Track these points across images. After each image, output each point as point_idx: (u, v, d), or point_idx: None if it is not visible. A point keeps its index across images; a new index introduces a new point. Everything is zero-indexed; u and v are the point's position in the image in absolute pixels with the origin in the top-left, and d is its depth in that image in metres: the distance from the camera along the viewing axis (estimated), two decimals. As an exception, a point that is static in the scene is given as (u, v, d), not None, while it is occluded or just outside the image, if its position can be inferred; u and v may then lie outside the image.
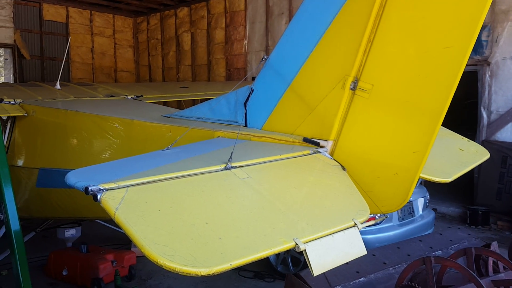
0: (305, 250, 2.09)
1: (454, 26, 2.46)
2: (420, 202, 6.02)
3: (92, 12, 14.67)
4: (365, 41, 2.78)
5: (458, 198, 9.17)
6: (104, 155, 4.50)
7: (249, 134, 3.29)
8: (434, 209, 8.03)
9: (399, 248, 4.14)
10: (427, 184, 6.46)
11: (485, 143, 7.98)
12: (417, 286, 3.29)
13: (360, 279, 3.57)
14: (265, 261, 5.71)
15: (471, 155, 3.96)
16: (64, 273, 5.62)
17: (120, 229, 1.91)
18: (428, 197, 6.23)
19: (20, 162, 5.23)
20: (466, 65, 2.47)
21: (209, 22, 13.15)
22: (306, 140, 3.06)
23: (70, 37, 13.41)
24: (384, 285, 3.65)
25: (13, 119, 5.33)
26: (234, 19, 12.43)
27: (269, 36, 11.69)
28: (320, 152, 2.97)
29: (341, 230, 2.28)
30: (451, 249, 4.26)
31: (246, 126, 3.48)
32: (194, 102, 9.08)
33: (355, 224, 2.34)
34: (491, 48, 8.23)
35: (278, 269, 5.74)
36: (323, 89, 2.99)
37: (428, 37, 2.57)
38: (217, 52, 12.98)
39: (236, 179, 2.46)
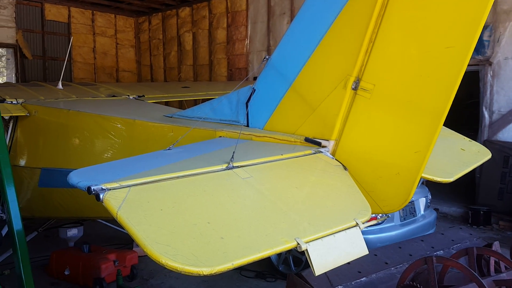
0: (306, 249, 2.09)
1: (456, 26, 2.46)
2: (421, 202, 6.02)
3: (94, 12, 14.70)
4: (366, 41, 2.78)
5: (459, 198, 9.17)
6: (106, 155, 4.51)
7: (250, 134, 3.29)
8: (436, 209, 8.04)
9: (400, 248, 4.14)
10: (428, 184, 6.45)
11: (487, 143, 7.97)
12: (418, 286, 3.29)
13: (362, 279, 3.57)
14: (266, 261, 5.71)
15: (472, 155, 3.95)
16: (66, 272, 5.64)
17: (122, 228, 1.92)
18: (429, 197, 6.22)
19: (22, 162, 5.24)
20: (468, 65, 2.47)
21: (210, 22, 13.15)
22: (307, 140, 3.06)
23: (72, 37, 13.44)
24: (385, 285, 3.65)
25: (15, 119, 5.34)
26: (235, 19, 12.44)
27: (270, 36, 11.69)
28: (322, 152, 2.97)
29: (342, 230, 2.28)
30: (452, 249, 4.25)
31: (247, 126, 3.48)
32: (195, 102, 9.08)
33: (357, 224, 2.34)
34: (493, 48, 8.22)
35: (280, 269, 5.74)
36: (324, 89, 2.99)
37: (430, 37, 2.57)
38: (219, 52, 12.99)
39: (238, 179, 2.47)
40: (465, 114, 10.91)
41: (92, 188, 2.02)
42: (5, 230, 5.09)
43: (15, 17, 12.93)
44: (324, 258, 2.16)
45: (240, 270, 5.83)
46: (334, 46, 2.97)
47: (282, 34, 10.32)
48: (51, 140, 5.10)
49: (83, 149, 4.80)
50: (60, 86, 6.70)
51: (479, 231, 7.78)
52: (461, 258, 3.71)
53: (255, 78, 3.72)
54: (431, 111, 2.57)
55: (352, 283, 3.49)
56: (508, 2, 8.05)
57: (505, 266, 3.71)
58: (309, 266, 2.16)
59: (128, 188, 2.09)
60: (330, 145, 2.98)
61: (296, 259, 5.56)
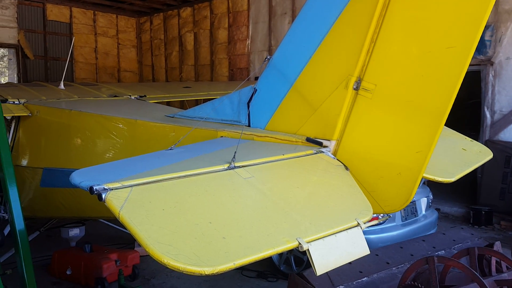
0: (308, 249, 2.09)
1: (457, 26, 2.46)
2: (423, 202, 6.02)
3: (96, 12, 14.72)
4: (368, 41, 2.79)
5: (461, 198, 9.16)
6: (107, 155, 4.52)
7: (252, 134, 3.29)
8: (437, 209, 8.02)
9: (402, 248, 4.14)
10: (430, 184, 6.46)
11: (488, 143, 7.97)
12: (420, 286, 3.29)
13: (363, 279, 3.57)
14: (268, 260, 5.72)
15: (474, 155, 3.95)
16: (68, 272, 5.65)
17: (124, 228, 1.92)
18: (431, 197, 6.22)
19: (24, 162, 5.26)
20: (470, 65, 2.47)
21: (212, 22, 13.16)
22: (309, 140, 3.06)
23: (73, 37, 13.46)
24: (387, 285, 3.65)
25: (18, 119, 5.36)
26: (237, 19, 12.44)
27: (272, 36, 11.69)
28: (323, 152, 2.97)
29: (344, 230, 2.28)
30: (454, 249, 4.25)
31: (249, 126, 3.49)
32: (197, 102, 9.09)
33: (358, 224, 2.35)
34: (495, 48, 8.21)
35: (281, 268, 5.74)
36: (326, 89, 3.00)
37: (431, 37, 2.57)
38: (220, 52, 13.00)
39: (239, 179, 2.47)
40: (467, 114, 10.90)
41: (94, 188, 2.02)
42: (7, 230, 5.09)
43: (17, 17, 12.96)
44: (325, 258, 2.16)
45: (242, 270, 5.84)
46: (336, 46, 2.97)
47: (283, 34, 10.33)
48: (53, 140, 5.11)
49: (85, 149, 4.81)
50: (62, 86, 6.71)
51: (481, 231, 7.78)
52: (463, 258, 3.71)
53: (256, 78, 3.72)
54: (433, 111, 2.57)
55: (354, 283, 3.50)
56: (509, 2, 8.04)
57: (506, 266, 3.71)
58: (311, 266, 2.16)
59: (130, 188, 2.10)
60: (332, 145, 2.99)
61: (298, 259, 5.57)
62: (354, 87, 2.86)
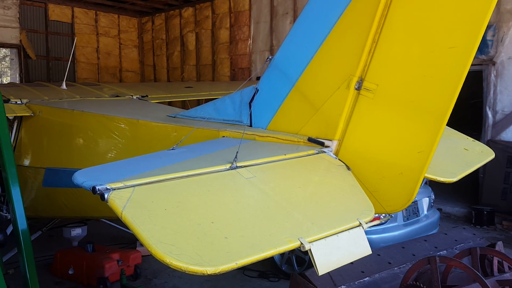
0: (310, 249, 2.09)
1: (459, 26, 2.46)
2: (425, 202, 6.02)
3: (97, 12, 14.74)
4: (370, 41, 2.79)
5: (463, 198, 9.15)
6: (110, 154, 4.53)
7: (254, 134, 3.30)
8: (439, 209, 8.01)
9: (404, 248, 4.14)
10: (432, 184, 6.44)
11: (490, 143, 7.96)
12: (422, 286, 3.30)
13: (365, 279, 3.57)
14: (270, 260, 5.72)
15: (476, 155, 3.95)
16: (70, 272, 5.66)
17: (127, 228, 1.93)
18: (433, 197, 6.22)
19: (26, 162, 5.27)
20: (471, 65, 2.47)
21: (213, 22, 13.17)
22: (311, 140, 3.07)
23: (75, 37, 13.48)
24: (389, 285, 3.65)
25: (20, 119, 5.37)
26: (238, 19, 12.45)
27: (273, 36, 11.69)
28: (325, 152, 2.98)
29: (346, 230, 2.28)
30: (456, 249, 4.25)
31: (251, 126, 3.49)
32: (198, 102, 9.11)
33: (360, 224, 2.35)
34: (496, 48, 8.20)
35: (283, 268, 5.75)
36: (328, 89, 3.00)
37: (433, 37, 2.57)
38: (222, 52, 13.00)
39: (241, 179, 2.48)
40: (469, 114, 10.89)
41: (97, 188, 2.03)
42: (10, 230, 5.11)
43: (18, 18, 12.99)
44: (327, 258, 2.16)
45: (244, 269, 5.84)
46: (337, 46, 2.97)
47: (285, 34, 10.34)
48: (55, 140, 5.12)
49: (87, 149, 4.82)
50: (64, 86, 6.73)
51: (483, 231, 7.77)
52: (465, 258, 3.71)
53: (258, 78, 3.72)
54: (434, 111, 2.57)
55: (356, 283, 3.50)
56: (511, 1, 8.03)
57: (508, 266, 3.71)
58: (312, 266, 2.17)
59: (132, 188, 2.10)
60: (333, 145, 2.99)
61: (299, 259, 5.57)
62: (356, 87, 2.86)
